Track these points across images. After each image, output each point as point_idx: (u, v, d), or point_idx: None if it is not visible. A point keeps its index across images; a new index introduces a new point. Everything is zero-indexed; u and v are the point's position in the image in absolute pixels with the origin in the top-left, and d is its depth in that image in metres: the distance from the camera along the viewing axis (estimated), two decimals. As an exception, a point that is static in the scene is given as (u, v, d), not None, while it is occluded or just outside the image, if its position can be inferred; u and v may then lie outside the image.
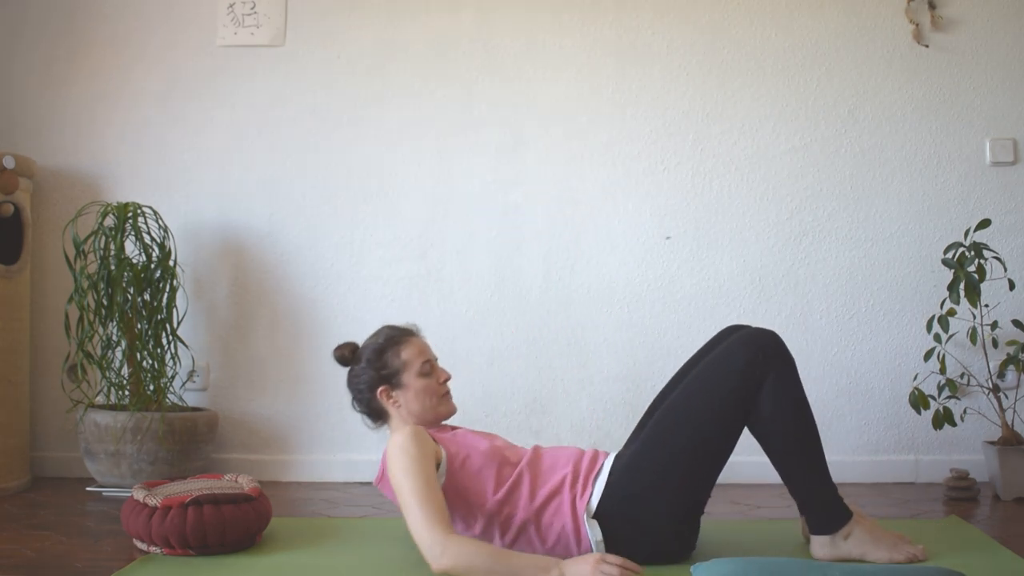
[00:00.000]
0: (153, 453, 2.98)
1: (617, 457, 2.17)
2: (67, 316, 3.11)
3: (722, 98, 3.38)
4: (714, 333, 3.48)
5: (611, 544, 2.06)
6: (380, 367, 2.22)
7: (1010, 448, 2.95)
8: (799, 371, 2.14)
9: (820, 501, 2.14)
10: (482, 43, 3.42)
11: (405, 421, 2.22)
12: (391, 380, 2.21)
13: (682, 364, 2.34)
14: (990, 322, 3.16)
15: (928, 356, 3.11)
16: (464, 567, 1.86)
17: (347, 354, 2.28)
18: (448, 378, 2.28)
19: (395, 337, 2.26)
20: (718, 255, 3.35)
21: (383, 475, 2.19)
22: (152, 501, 2.24)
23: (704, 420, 2.08)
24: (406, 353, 2.23)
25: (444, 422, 2.30)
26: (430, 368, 2.24)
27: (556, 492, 2.10)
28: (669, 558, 2.09)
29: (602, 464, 2.15)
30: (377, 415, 2.26)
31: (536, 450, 2.22)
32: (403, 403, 2.21)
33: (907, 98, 3.35)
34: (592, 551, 2.06)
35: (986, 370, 3.13)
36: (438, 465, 2.06)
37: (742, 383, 2.08)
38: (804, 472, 2.12)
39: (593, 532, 2.06)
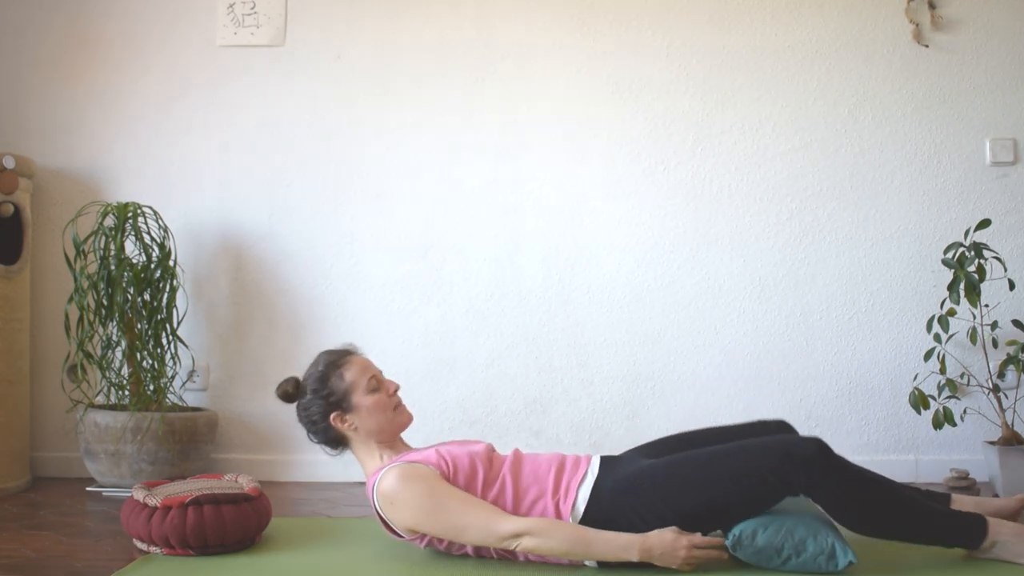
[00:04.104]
0: (153, 453, 2.98)
1: (604, 462, 2.16)
2: (67, 316, 3.11)
3: (722, 98, 3.38)
4: (714, 333, 3.45)
5: None
6: (327, 394, 2.19)
7: (1010, 448, 2.95)
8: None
9: (947, 534, 2.07)
10: (482, 43, 3.42)
11: (366, 442, 2.21)
12: (341, 405, 2.18)
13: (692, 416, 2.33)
14: (990, 322, 3.16)
15: (928, 356, 3.11)
16: (544, 550, 2.00)
17: (290, 389, 2.23)
18: (397, 388, 2.25)
19: (335, 361, 2.23)
20: (718, 255, 3.35)
21: (385, 524, 2.15)
22: (152, 501, 2.24)
23: (719, 499, 2.02)
24: (349, 374, 2.19)
25: (414, 445, 2.29)
26: (377, 383, 2.21)
27: (539, 498, 2.10)
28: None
29: (586, 470, 2.14)
30: (336, 442, 2.24)
31: (516, 455, 2.21)
32: (359, 424, 2.18)
33: (907, 98, 3.35)
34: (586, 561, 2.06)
35: (986, 370, 3.13)
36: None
37: (774, 489, 2.01)
38: (914, 530, 2.06)
39: None
